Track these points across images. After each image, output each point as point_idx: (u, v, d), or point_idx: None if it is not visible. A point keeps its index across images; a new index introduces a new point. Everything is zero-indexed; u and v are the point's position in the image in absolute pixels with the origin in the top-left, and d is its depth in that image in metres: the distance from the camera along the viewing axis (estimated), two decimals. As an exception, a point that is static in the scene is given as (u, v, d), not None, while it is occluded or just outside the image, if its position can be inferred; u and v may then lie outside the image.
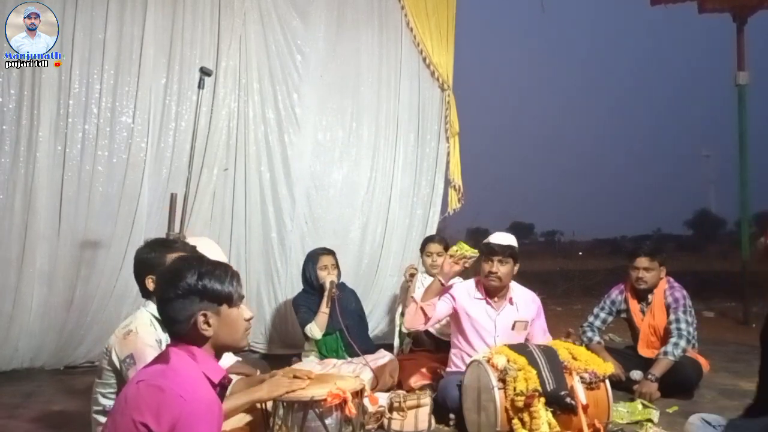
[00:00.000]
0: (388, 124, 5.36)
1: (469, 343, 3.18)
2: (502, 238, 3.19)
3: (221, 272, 1.59)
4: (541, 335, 3.27)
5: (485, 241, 3.23)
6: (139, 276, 2.31)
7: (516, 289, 3.27)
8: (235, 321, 1.61)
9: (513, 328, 3.18)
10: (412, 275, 4.17)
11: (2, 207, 4.18)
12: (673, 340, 3.52)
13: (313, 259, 3.92)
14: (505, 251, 3.11)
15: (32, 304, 4.22)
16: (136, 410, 1.40)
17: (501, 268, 3.10)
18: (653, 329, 3.71)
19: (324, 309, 3.70)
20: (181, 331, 1.55)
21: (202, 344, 1.56)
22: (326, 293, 3.71)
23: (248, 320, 1.66)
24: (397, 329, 4.20)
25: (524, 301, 3.28)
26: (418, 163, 5.48)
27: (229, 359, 2.93)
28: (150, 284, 2.26)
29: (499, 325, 3.17)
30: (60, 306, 4.29)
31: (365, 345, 3.75)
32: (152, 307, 2.18)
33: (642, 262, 3.71)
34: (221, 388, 1.61)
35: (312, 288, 3.87)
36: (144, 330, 2.16)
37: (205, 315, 1.55)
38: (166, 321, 1.59)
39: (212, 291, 1.56)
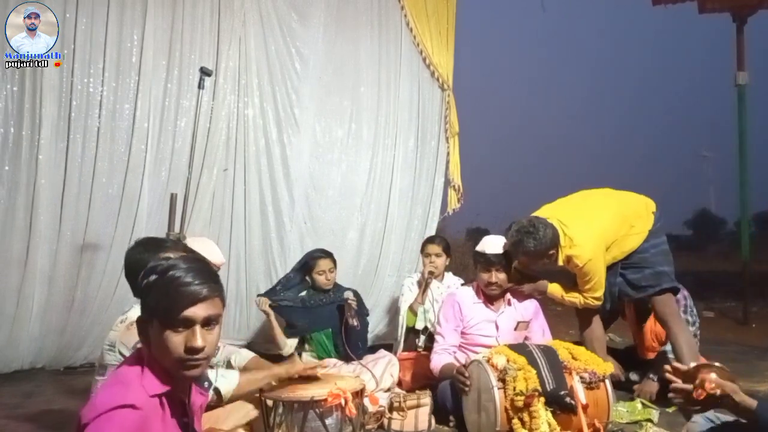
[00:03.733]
0: (388, 124, 5.36)
1: (469, 347, 3.20)
2: (496, 245, 3.19)
3: (171, 286, 1.34)
4: (540, 335, 3.27)
5: (479, 250, 3.22)
6: (133, 276, 2.29)
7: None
8: (162, 344, 1.35)
9: (516, 329, 3.21)
10: (431, 273, 4.03)
11: (4, 208, 4.16)
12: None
13: (310, 263, 3.94)
14: (501, 260, 3.15)
15: (33, 306, 4.21)
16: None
17: (500, 276, 3.16)
18: (655, 335, 3.64)
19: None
20: None
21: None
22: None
23: (190, 349, 1.34)
24: (402, 329, 4.11)
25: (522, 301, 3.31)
26: (417, 164, 5.48)
27: (245, 354, 2.79)
28: None
29: (501, 326, 3.19)
30: (61, 307, 4.28)
31: (360, 348, 3.79)
32: None
33: None
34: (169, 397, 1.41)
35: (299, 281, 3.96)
36: None
37: (144, 317, 1.40)
38: None
39: (146, 296, 1.38)
